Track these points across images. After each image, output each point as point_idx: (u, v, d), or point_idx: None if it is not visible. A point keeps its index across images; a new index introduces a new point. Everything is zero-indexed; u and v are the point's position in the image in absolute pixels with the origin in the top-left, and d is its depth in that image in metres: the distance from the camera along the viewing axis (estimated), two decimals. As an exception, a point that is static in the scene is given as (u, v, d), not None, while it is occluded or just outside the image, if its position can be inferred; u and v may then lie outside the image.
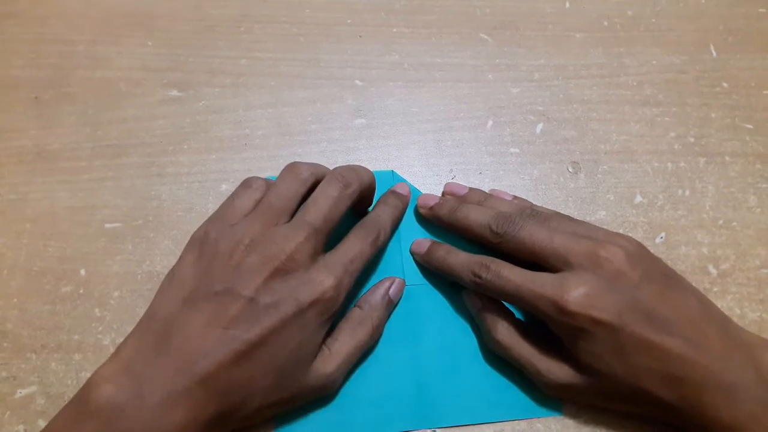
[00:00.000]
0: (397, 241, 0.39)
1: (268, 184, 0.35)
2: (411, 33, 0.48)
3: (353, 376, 0.36)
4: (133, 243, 0.40)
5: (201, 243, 0.33)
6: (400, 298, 0.38)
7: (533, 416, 0.35)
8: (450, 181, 0.42)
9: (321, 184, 0.34)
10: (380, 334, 0.36)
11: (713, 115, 0.46)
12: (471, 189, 0.40)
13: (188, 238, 0.39)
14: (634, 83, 0.47)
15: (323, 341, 0.33)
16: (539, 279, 0.32)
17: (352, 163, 0.36)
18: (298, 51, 0.47)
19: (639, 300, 0.31)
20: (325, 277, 0.31)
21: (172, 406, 0.27)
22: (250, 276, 0.30)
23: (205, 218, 0.35)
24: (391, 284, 0.37)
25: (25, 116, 0.44)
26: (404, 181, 0.41)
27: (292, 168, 0.35)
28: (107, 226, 0.40)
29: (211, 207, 0.40)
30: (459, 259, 0.36)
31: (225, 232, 0.32)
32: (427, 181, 0.42)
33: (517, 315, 0.36)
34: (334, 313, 0.32)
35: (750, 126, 0.45)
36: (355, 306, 0.36)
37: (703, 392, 0.30)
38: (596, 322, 0.31)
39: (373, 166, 0.43)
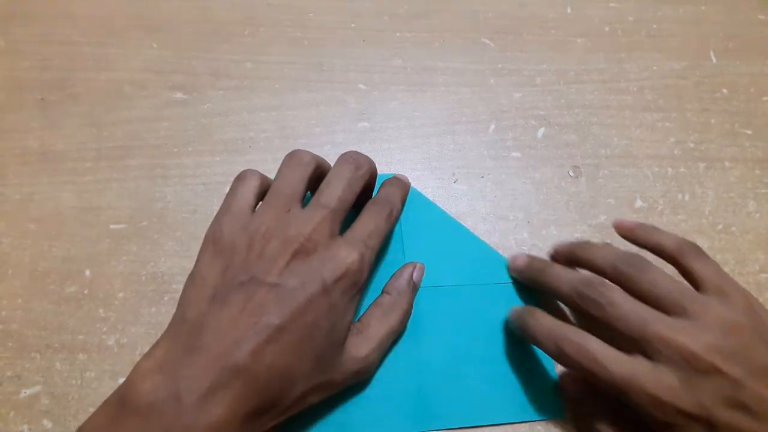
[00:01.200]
0: (399, 240, 0.40)
1: (261, 174, 0.35)
2: (414, 37, 0.48)
3: None
4: (138, 244, 0.40)
5: (215, 241, 0.32)
6: (420, 282, 0.38)
7: (535, 419, 0.35)
8: (453, 184, 0.42)
9: (333, 167, 0.35)
10: (409, 319, 0.36)
11: (713, 120, 0.46)
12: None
13: (192, 240, 0.39)
14: (635, 88, 0.47)
15: (353, 322, 0.33)
16: (635, 367, 0.30)
17: None
18: (302, 55, 0.47)
19: (738, 398, 0.29)
20: (347, 253, 0.31)
21: (211, 401, 0.27)
22: (271, 262, 0.30)
23: (210, 220, 0.35)
24: (414, 269, 0.37)
25: (30, 117, 0.44)
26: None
27: (293, 155, 0.35)
28: (112, 227, 0.40)
29: (216, 209, 0.39)
30: (568, 276, 0.34)
31: (237, 225, 0.32)
32: (430, 184, 0.43)
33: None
34: (361, 288, 0.32)
35: (749, 132, 0.45)
36: (383, 293, 0.36)
37: None
38: (688, 416, 0.29)
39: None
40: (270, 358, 0.28)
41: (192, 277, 0.32)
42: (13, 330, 0.37)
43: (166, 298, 0.38)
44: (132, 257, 0.39)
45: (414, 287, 0.37)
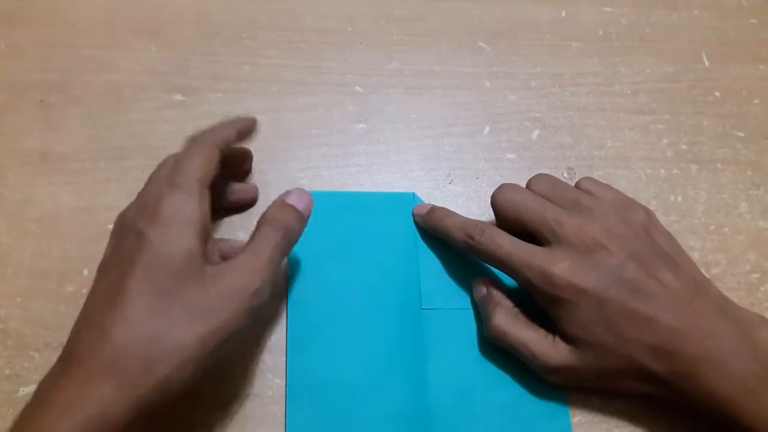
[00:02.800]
0: (415, 261, 0.39)
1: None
2: (411, 41, 0.49)
3: (355, 396, 0.35)
4: None
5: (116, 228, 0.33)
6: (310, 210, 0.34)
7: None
8: (448, 185, 0.43)
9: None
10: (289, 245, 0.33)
11: (705, 123, 0.46)
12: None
13: None
14: (629, 91, 0.47)
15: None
16: (530, 249, 0.34)
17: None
18: (299, 58, 0.47)
19: (623, 276, 0.32)
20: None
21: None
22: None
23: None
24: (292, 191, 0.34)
25: (30, 119, 0.44)
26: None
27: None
28: (110, 227, 0.40)
29: None
30: (455, 221, 0.38)
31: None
32: (425, 185, 0.43)
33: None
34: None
35: (741, 134, 0.46)
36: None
37: (696, 366, 0.30)
38: (579, 290, 0.32)
39: (372, 171, 0.43)
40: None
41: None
42: (11, 329, 0.37)
43: (164, 298, 0.38)
44: (131, 257, 0.40)
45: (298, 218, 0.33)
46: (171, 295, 0.28)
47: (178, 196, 0.30)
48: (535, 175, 0.38)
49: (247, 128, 0.37)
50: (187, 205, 0.30)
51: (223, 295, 0.29)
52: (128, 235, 0.30)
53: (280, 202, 0.33)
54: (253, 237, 0.32)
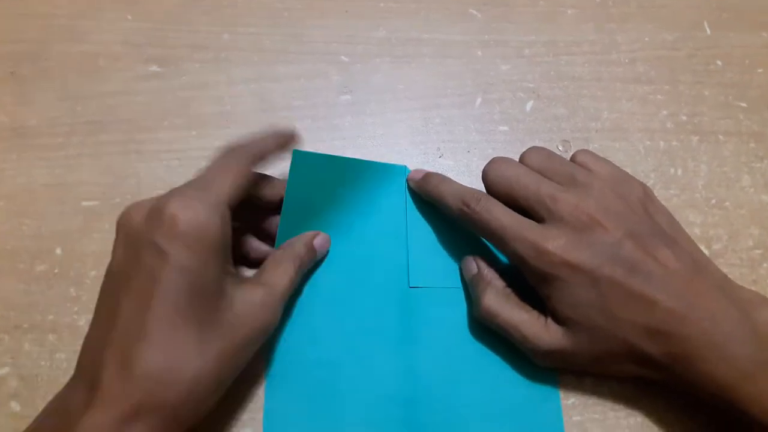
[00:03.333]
0: (403, 237, 0.38)
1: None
2: (398, 8, 0.47)
3: (339, 378, 0.34)
4: (111, 222, 0.37)
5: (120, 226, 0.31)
6: (324, 251, 0.37)
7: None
8: (438, 159, 0.41)
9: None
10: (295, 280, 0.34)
11: (706, 93, 0.45)
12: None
13: None
14: (626, 60, 0.46)
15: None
16: (524, 223, 0.33)
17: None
18: (282, 26, 0.46)
19: (620, 254, 0.31)
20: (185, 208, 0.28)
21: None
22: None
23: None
24: (315, 234, 0.36)
25: (1, 92, 0.43)
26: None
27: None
28: (84, 203, 0.39)
29: None
30: (451, 188, 0.36)
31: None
32: (414, 159, 0.42)
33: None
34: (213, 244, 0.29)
35: (744, 104, 0.44)
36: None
37: (693, 348, 0.29)
38: (573, 268, 0.31)
39: (358, 144, 0.42)
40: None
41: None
42: (-20, 310, 0.36)
43: (139, 277, 0.37)
44: (104, 235, 0.38)
45: (311, 253, 0.36)
46: (194, 323, 0.28)
47: (203, 214, 0.28)
48: (529, 149, 0.36)
49: (284, 142, 0.35)
50: (212, 227, 0.28)
51: (238, 335, 0.29)
52: (145, 247, 0.28)
53: (308, 241, 0.35)
54: (271, 268, 0.33)
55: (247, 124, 0.42)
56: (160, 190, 0.38)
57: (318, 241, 0.36)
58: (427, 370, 0.35)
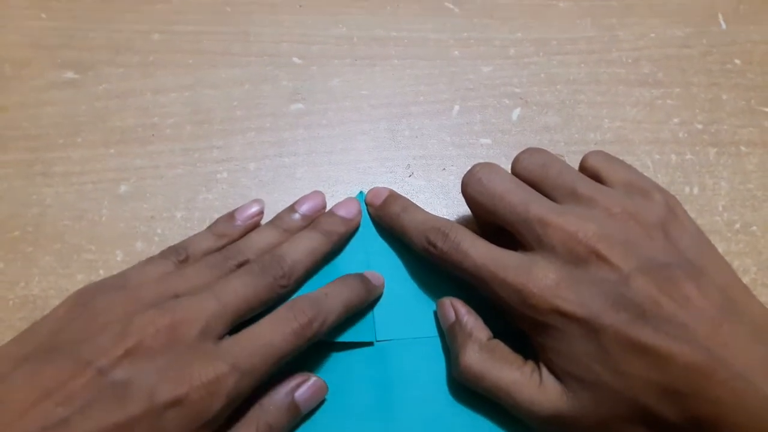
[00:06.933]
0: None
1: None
2: (361, 1, 0.43)
3: None
4: (6, 260, 0.33)
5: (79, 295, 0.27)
6: (312, 405, 0.29)
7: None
8: (408, 178, 0.37)
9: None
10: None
11: (724, 96, 0.41)
12: None
13: (75, 254, 0.34)
14: (629, 60, 0.42)
15: None
16: (504, 260, 0.28)
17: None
18: (224, 23, 0.41)
19: (625, 295, 0.26)
20: (201, 370, 0.24)
21: None
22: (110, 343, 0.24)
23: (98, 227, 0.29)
24: (301, 383, 0.29)
25: None
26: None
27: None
28: (-18, 236, 0.34)
29: (106, 213, 0.34)
30: (414, 219, 0.31)
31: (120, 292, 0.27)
32: (379, 179, 0.37)
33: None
34: (209, 423, 0.25)
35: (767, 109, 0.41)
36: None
37: (722, 414, 0.24)
38: (566, 317, 0.26)
39: (312, 162, 0.37)
40: None
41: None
42: None
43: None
44: (-8, 279, 0.33)
45: (294, 408, 0.28)
46: None
47: (242, 384, 0.25)
48: (524, 151, 0.31)
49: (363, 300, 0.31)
50: (242, 394, 0.25)
51: None
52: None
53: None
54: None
55: (177, 138, 0.37)
56: (68, 222, 0.35)
57: (302, 392, 0.29)
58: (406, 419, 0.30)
